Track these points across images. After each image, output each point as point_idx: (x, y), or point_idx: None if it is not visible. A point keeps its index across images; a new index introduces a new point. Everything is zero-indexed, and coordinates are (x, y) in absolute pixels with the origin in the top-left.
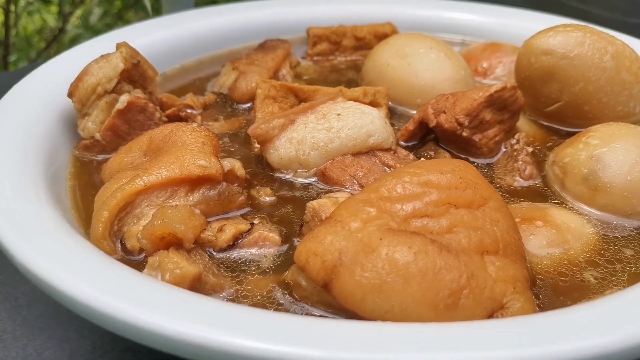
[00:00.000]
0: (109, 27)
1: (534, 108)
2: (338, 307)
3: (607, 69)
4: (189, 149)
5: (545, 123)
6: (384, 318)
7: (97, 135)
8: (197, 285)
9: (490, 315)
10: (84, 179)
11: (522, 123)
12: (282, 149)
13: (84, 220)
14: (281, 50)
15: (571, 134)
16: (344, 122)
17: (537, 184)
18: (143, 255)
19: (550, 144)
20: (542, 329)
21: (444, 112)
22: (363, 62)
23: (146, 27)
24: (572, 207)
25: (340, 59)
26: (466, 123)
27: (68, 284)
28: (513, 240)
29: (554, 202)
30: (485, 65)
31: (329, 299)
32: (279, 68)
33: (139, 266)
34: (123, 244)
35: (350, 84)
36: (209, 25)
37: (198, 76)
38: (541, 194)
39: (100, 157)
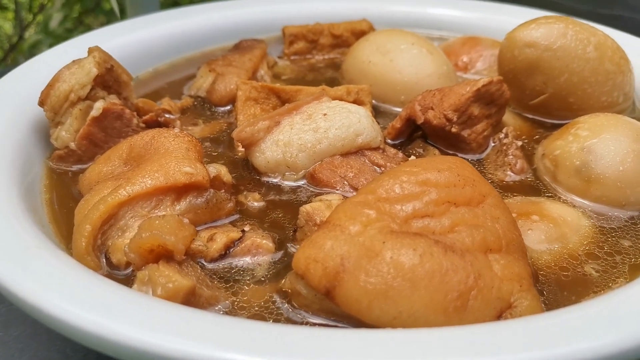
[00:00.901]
0: (69, 32)
1: (519, 101)
2: (341, 315)
3: (591, 60)
4: (173, 155)
5: (530, 116)
6: (391, 324)
7: (72, 145)
8: (191, 299)
9: (499, 316)
10: (61, 191)
11: (507, 117)
12: (268, 152)
13: (64, 235)
14: (258, 50)
15: (557, 126)
16: (330, 122)
17: (528, 177)
18: (130, 269)
19: (537, 137)
20: (561, 328)
21: (432, 109)
22: (342, 60)
23: (116, 30)
24: (566, 200)
25: (318, 57)
26: (455, 119)
27: (54, 304)
28: (514, 237)
29: (547, 196)
30: (465, 59)
31: (331, 307)
32: (257, 68)
33: (127, 281)
34: (108, 259)
35: (331, 82)
36: (181, 26)
37: (172, 79)
38: (533, 187)
39: (76, 168)
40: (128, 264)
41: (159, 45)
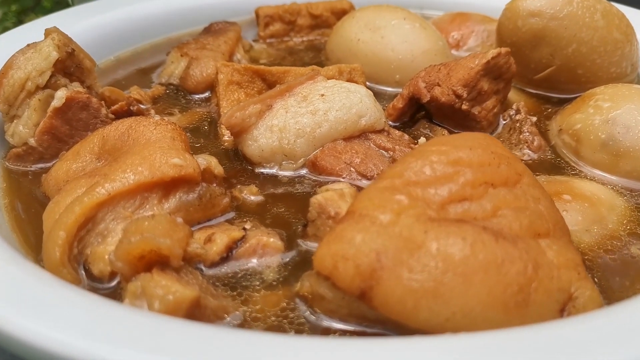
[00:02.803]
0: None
1: (522, 76)
2: (375, 320)
3: (599, 28)
4: (157, 146)
5: (534, 91)
6: (443, 327)
7: (32, 141)
8: (195, 311)
9: (561, 310)
10: (22, 194)
11: (510, 93)
12: (262, 139)
13: (31, 245)
14: (232, 32)
15: (564, 101)
16: (330, 103)
17: (547, 155)
18: (117, 281)
19: (545, 113)
20: None
21: (438, 85)
22: (322, 41)
23: (70, 15)
24: (593, 177)
25: (296, 39)
26: (464, 95)
27: (34, 332)
28: (559, 219)
29: (572, 174)
30: (455, 36)
31: (363, 311)
32: (233, 52)
33: (114, 296)
34: (87, 270)
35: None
36: (144, 9)
37: (137, 68)
38: (554, 165)
39: (37, 167)
40: (113, 275)
41: (120, 31)
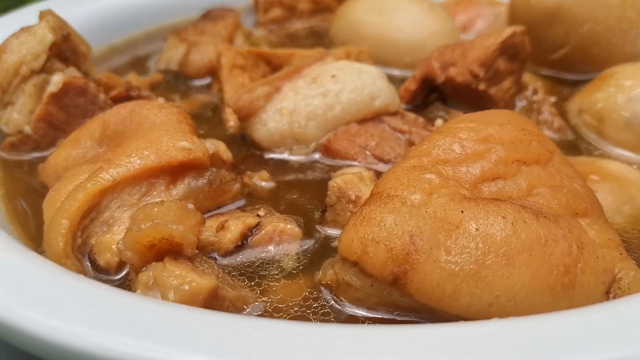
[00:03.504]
0: None
1: (535, 57)
2: (407, 307)
3: (614, 6)
4: (163, 129)
5: (548, 73)
6: (486, 313)
7: (27, 129)
8: (213, 302)
9: (607, 292)
10: (18, 184)
11: (523, 75)
12: (271, 123)
13: (31, 235)
14: (231, 18)
15: (579, 82)
16: (341, 84)
17: (569, 136)
18: (125, 272)
19: (562, 93)
20: None
21: (453, 65)
22: (324, 27)
23: (62, 2)
24: (618, 157)
25: (297, 25)
26: (481, 74)
27: (50, 326)
28: (595, 197)
29: (596, 154)
30: (462, 19)
31: (395, 298)
32: (232, 38)
33: (122, 288)
34: (93, 261)
35: None
36: None
37: (132, 55)
38: (576, 146)
39: (32, 156)
40: (121, 266)
41: (114, 18)
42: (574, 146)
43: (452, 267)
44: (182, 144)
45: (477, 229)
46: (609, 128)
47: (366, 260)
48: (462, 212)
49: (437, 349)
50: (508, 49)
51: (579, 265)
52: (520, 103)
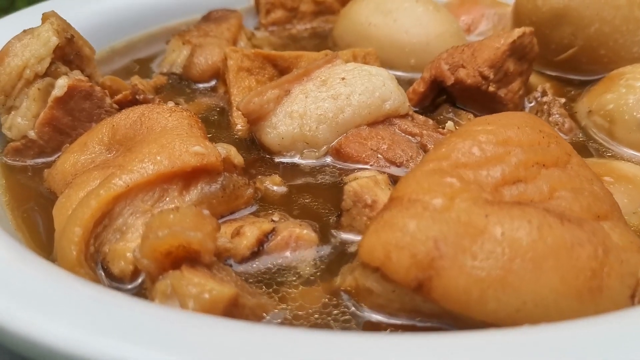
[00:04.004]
0: None
1: (542, 57)
2: (430, 313)
3: (621, 7)
4: (175, 133)
5: (554, 73)
6: (513, 319)
7: (32, 134)
8: (233, 310)
9: (632, 296)
10: (24, 191)
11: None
12: (282, 127)
13: (42, 244)
14: (234, 19)
15: (586, 83)
16: (351, 86)
17: (579, 138)
18: (140, 281)
19: (570, 94)
20: None
21: (463, 66)
22: (326, 29)
23: (62, 3)
24: (630, 158)
25: (299, 27)
26: (491, 76)
27: (72, 339)
28: (614, 200)
29: (608, 156)
30: (466, 20)
31: (417, 304)
32: (236, 40)
33: (139, 297)
34: (106, 269)
35: None
36: None
37: (133, 58)
38: (585, 147)
39: (37, 162)
40: (135, 274)
41: (114, 20)
42: (583, 147)
43: (478, 272)
44: (195, 148)
45: (502, 234)
46: (620, 129)
47: (389, 266)
48: (486, 216)
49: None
50: (517, 50)
51: (605, 270)
52: (529, 104)
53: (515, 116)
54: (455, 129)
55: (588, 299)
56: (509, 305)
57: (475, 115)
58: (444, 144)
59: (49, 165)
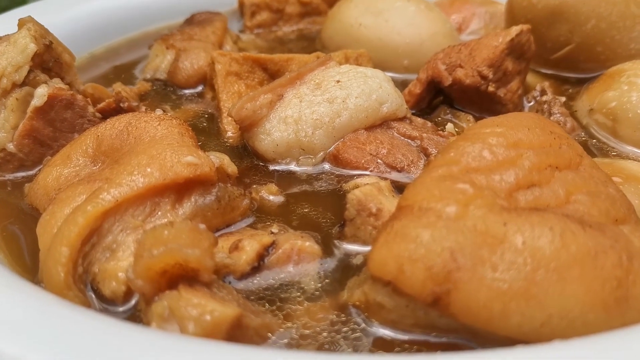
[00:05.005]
0: None
1: (538, 56)
2: (446, 329)
3: (617, 3)
4: (165, 143)
5: (550, 72)
6: (538, 334)
7: (10, 146)
8: (237, 332)
9: None
10: (3, 207)
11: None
12: (276, 133)
13: (25, 264)
14: (218, 22)
15: (583, 81)
16: (347, 89)
17: (582, 137)
18: (133, 302)
19: (568, 93)
20: None
21: (461, 66)
22: (313, 30)
23: (38, 9)
24: (636, 157)
25: (285, 29)
26: (490, 75)
27: None
28: (629, 201)
29: (613, 155)
30: (456, 19)
31: (432, 319)
32: (222, 43)
33: (133, 320)
34: (96, 290)
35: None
36: (118, 2)
37: (114, 64)
38: (587, 147)
39: (16, 176)
40: (128, 295)
41: (93, 26)
42: (585, 147)
43: (500, 284)
44: (187, 158)
45: (523, 243)
46: (624, 127)
47: (403, 280)
48: (504, 224)
49: None
50: (515, 48)
51: (630, 278)
52: (528, 104)
53: (523, 117)
54: (455, 130)
55: (614, 309)
56: (534, 319)
57: (474, 116)
58: (452, 148)
59: (29, 179)
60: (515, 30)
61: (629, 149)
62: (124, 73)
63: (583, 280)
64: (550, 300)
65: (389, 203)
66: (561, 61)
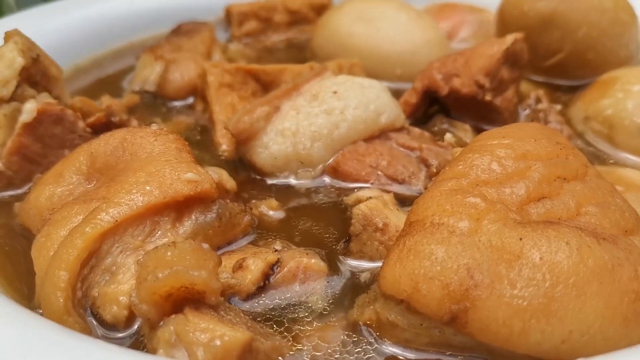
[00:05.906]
0: None
1: (529, 64)
2: (462, 347)
3: (607, 10)
4: (163, 159)
5: (542, 79)
6: (558, 351)
7: None
8: (247, 357)
9: None
10: None
11: None
12: (274, 146)
13: (19, 289)
14: (206, 32)
15: (574, 88)
16: (345, 100)
17: (578, 144)
18: (135, 327)
19: (560, 100)
20: None
21: (457, 75)
22: (302, 39)
23: (18, 20)
24: (634, 165)
25: (273, 38)
26: (487, 84)
27: None
28: (636, 211)
29: (610, 163)
30: (446, 27)
31: (448, 337)
32: (210, 53)
33: (135, 346)
34: (97, 315)
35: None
36: (102, 12)
37: (100, 76)
38: (585, 155)
39: (4, 195)
40: (130, 320)
41: (77, 36)
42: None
43: (519, 302)
44: (187, 175)
45: (541, 258)
46: (621, 135)
47: (418, 298)
48: (520, 239)
49: None
50: (511, 57)
51: None
52: (524, 112)
53: (528, 127)
54: (454, 140)
55: (633, 323)
56: (554, 336)
57: (472, 126)
58: (459, 160)
59: (18, 197)
60: (510, 39)
61: (626, 156)
62: (111, 85)
63: (602, 294)
64: (570, 317)
65: (395, 217)
66: (552, 69)
